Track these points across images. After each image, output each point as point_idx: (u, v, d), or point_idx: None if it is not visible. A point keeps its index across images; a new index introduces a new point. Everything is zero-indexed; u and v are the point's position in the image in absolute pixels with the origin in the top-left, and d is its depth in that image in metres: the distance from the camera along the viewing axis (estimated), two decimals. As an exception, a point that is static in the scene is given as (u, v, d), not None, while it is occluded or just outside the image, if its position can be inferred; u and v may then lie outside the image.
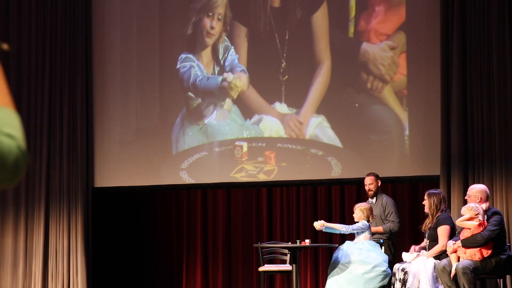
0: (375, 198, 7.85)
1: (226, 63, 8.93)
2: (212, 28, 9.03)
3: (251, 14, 8.89)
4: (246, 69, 8.86)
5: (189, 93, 9.06)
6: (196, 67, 9.05)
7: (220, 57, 8.97)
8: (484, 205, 6.73)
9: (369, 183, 7.86)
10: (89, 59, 9.31)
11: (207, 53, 9.05)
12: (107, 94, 9.33)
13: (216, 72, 9.00)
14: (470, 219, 6.61)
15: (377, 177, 7.88)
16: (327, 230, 7.43)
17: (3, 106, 1.44)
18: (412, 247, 7.19)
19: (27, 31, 9.40)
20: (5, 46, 1.57)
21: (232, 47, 8.91)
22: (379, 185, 7.88)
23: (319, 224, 7.31)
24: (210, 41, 9.04)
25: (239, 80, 8.89)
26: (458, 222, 6.71)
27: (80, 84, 9.22)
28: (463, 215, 6.68)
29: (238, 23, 8.95)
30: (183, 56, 9.11)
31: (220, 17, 9.02)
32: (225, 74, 8.95)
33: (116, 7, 9.39)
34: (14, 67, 9.36)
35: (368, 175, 7.91)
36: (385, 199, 7.85)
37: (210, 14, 9.05)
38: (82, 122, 9.19)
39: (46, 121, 9.29)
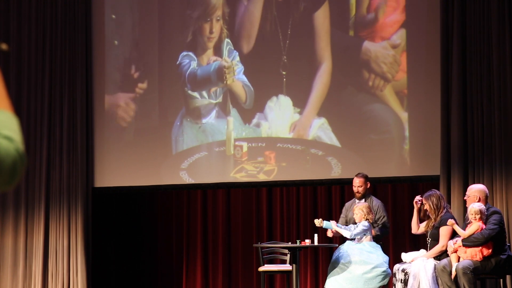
0: (363, 200, 7.58)
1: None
2: (211, 32, 9.01)
3: (252, 7, 8.88)
4: (246, 67, 8.86)
5: (187, 89, 9.03)
6: (196, 63, 9.03)
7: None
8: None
9: (358, 185, 7.60)
10: (89, 59, 9.30)
11: (208, 55, 9.04)
12: (107, 94, 9.33)
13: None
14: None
15: (366, 178, 7.63)
16: (328, 227, 7.43)
17: (1, 109, 1.44)
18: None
19: (27, 31, 9.39)
20: (4, 46, 1.57)
21: (236, 53, 8.85)
22: (367, 187, 7.64)
23: (318, 222, 7.32)
24: (211, 44, 9.03)
25: (235, 68, 8.86)
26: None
27: (80, 84, 9.21)
28: (468, 218, 6.65)
29: (238, 19, 8.94)
30: (184, 53, 9.10)
31: (218, 18, 9.00)
32: (223, 62, 8.92)
33: (116, 7, 9.39)
34: (14, 67, 9.35)
35: (358, 176, 7.66)
36: (375, 202, 7.60)
37: (208, 19, 9.03)
38: (82, 122, 9.19)
39: (46, 121, 9.28)
